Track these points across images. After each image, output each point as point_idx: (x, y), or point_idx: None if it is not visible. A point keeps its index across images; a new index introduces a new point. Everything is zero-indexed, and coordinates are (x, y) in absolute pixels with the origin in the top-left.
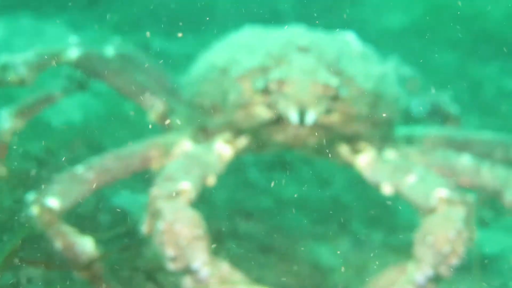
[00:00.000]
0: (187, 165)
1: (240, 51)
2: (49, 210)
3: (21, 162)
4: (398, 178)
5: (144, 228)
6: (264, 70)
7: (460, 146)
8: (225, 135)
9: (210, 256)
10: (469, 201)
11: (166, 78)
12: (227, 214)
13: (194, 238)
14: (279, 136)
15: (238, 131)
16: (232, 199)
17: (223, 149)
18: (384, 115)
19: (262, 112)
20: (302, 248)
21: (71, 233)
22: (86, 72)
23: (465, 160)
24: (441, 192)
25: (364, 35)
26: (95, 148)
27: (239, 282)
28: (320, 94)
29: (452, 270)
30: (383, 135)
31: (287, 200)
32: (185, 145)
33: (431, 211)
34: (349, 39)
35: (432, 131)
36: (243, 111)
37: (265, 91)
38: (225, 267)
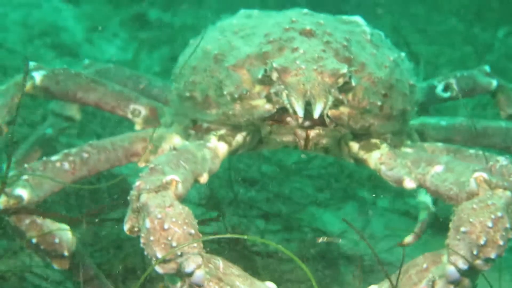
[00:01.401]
0: (177, 159)
1: (236, 37)
2: (17, 201)
3: None
4: (422, 170)
5: (126, 227)
6: (263, 57)
7: (477, 138)
8: (220, 131)
9: (205, 256)
10: (510, 186)
11: (146, 82)
12: (229, 182)
13: (186, 237)
14: (281, 133)
15: (234, 127)
16: (234, 167)
17: (218, 145)
18: (398, 107)
19: (261, 105)
20: (305, 215)
21: (45, 224)
22: (56, 95)
23: (502, 161)
24: (480, 175)
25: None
26: None
27: (237, 279)
28: (328, 84)
29: (490, 264)
30: (397, 131)
31: (289, 167)
32: (174, 140)
33: (468, 197)
34: (359, 22)
35: (445, 122)
36: (240, 104)
37: (265, 81)
38: (221, 264)
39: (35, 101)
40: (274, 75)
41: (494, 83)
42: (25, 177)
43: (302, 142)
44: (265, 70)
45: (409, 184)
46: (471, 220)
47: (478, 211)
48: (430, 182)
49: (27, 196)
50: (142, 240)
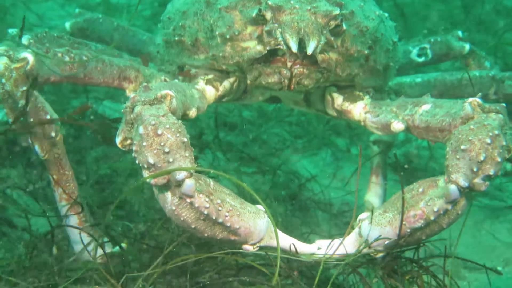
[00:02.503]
0: (169, 86)
1: None
2: (21, 64)
3: None
4: (409, 111)
5: (118, 139)
6: None
7: (453, 89)
8: (208, 76)
9: (195, 173)
10: (502, 109)
11: (131, 34)
12: (209, 125)
13: (178, 145)
14: (266, 73)
15: (221, 73)
16: (215, 111)
17: (206, 88)
18: (382, 61)
19: (252, 47)
20: (281, 160)
21: (39, 98)
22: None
23: None
24: (474, 100)
25: None
26: None
27: (227, 196)
28: (321, 24)
29: (487, 183)
30: (379, 87)
31: (269, 114)
32: (163, 80)
33: (463, 122)
34: None
35: (419, 79)
36: (231, 46)
37: (258, 20)
38: (211, 182)
39: None
40: (268, 14)
41: (467, 47)
42: (29, 49)
43: (286, 82)
44: (259, 9)
45: (398, 125)
46: (470, 138)
47: (476, 130)
48: (419, 120)
49: (32, 60)
50: (134, 148)
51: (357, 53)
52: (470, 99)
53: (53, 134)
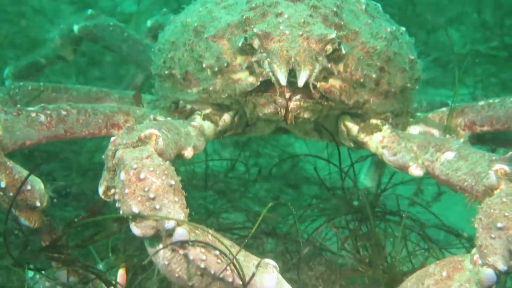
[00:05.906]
0: (158, 126)
1: (218, 7)
2: None
3: None
4: (430, 156)
5: (101, 189)
6: (245, 24)
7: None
8: (205, 111)
9: (191, 223)
10: None
11: (141, 48)
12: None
13: (165, 189)
14: (266, 110)
15: (219, 107)
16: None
17: (203, 124)
18: (397, 84)
19: (244, 78)
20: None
21: (16, 168)
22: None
23: None
24: (502, 168)
25: None
26: None
27: (227, 247)
28: (316, 50)
29: None
30: (398, 111)
31: None
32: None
33: (486, 191)
34: None
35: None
36: (221, 78)
37: (246, 49)
38: (210, 231)
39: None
40: (256, 42)
41: None
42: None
43: (283, 111)
44: (245, 38)
45: (416, 171)
46: (506, 214)
47: (510, 204)
48: (439, 170)
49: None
50: (117, 197)
51: (364, 78)
52: (497, 166)
53: (37, 204)
